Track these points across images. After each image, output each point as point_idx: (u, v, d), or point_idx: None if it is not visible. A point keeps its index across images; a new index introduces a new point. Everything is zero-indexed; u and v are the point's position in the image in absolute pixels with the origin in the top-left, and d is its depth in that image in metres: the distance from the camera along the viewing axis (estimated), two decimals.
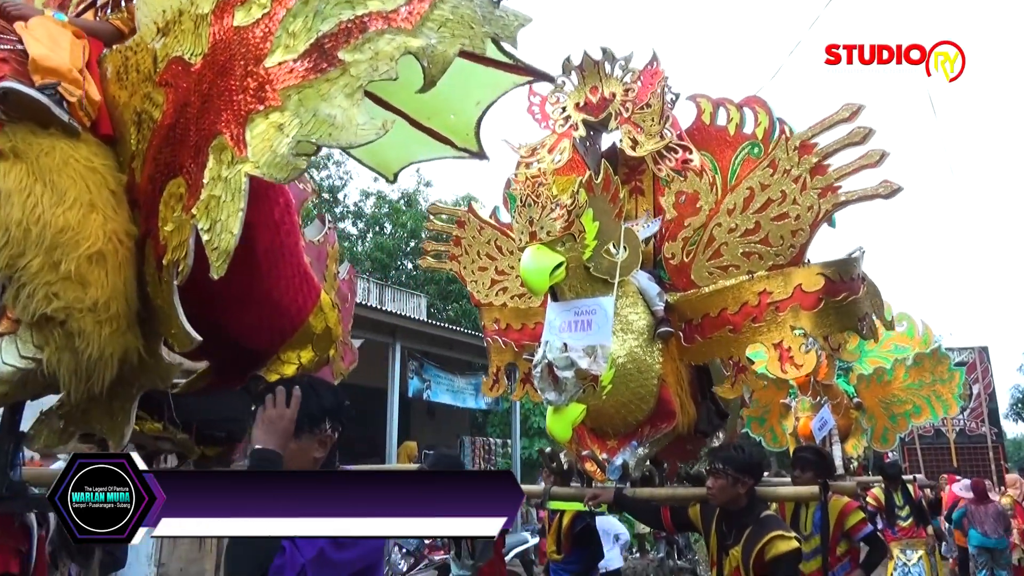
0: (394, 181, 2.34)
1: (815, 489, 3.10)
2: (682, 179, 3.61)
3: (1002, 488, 11.68)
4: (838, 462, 7.37)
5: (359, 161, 2.31)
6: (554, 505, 3.83)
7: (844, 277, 3.30)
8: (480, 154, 2.20)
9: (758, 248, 3.40)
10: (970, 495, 9.31)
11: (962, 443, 17.87)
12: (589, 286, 3.42)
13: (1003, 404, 27.00)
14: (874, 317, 3.60)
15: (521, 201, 3.35)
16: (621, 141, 3.89)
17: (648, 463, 3.59)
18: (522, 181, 3.37)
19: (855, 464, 8.18)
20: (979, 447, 18.07)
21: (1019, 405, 32.14)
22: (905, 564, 7.17)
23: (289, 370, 2.59)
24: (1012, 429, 34.28)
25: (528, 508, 9.55)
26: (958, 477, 11.20)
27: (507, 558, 5.85)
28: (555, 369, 3.16)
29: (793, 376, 3.17)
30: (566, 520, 4.16)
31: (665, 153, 3.85)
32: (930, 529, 7.47)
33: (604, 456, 3.43)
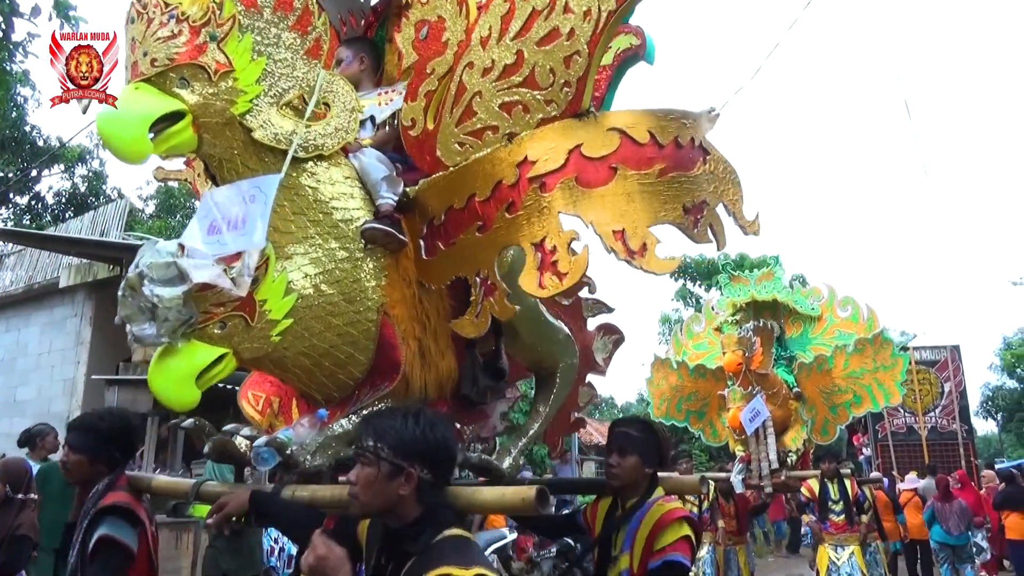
0: None
1: (529, 492, 1.69)
2: (423, 2, 2.32)
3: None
4: (772, 455, 6.75)
5: None
6: (198, 511, 2.50)
7: (661, 139, 2.01)
8: None
9: (521, 94, 2.09)
10: (914, 486, 9.42)
11: (934, 440, 18.09)
12: (257, 162, 2.11)
13: (974, 402, 27.03)
14: (723, 211, 2.28)
15: (126, 17, 2.04)
16: None
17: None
18: None
19: (794, 457, 7.24)
20: (950, 444, 18.09)
21: (989, 403, 32.68)
22: (835, 562, 6.57)
23: None
24: (982, 426, 34.62)
25: None
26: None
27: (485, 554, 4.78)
28: (146, 284, 1.85)
29: (554, 290, 1.85)
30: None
31: None
32: (864, 518, 6.87)
33: (251, 433, 2.11)
